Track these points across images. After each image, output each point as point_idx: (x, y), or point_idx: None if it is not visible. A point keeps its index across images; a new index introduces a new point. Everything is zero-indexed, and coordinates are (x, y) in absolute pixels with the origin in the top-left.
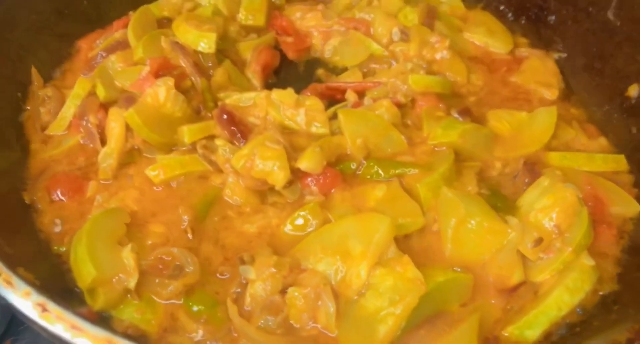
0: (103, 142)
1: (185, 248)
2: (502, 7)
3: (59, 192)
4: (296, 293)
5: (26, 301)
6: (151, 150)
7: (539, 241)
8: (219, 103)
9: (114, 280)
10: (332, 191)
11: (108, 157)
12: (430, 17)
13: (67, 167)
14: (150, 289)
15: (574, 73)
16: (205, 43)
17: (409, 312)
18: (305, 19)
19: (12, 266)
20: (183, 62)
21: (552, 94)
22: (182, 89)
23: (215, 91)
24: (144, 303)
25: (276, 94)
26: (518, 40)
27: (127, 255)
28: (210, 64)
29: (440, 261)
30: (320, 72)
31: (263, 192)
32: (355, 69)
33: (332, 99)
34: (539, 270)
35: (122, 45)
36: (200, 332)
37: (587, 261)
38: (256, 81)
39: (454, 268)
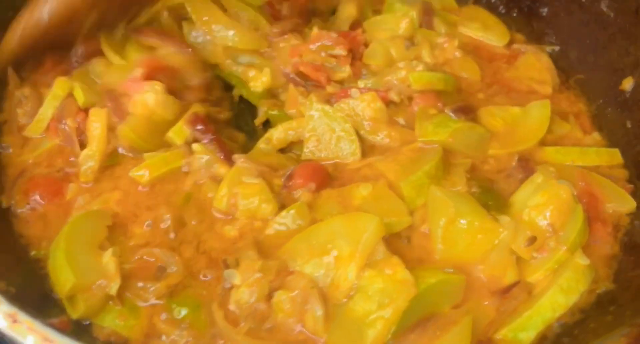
0: (83, 145)
1: (168, 249)
2: (493, 0)
3: (37, 196)
4: (283, 297)
5: None
6: (137, 151)
7: (532, 240)
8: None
9: (94, 286)
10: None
11: (89, 159)
12: (429, 15)
13: (46, 169)
14: (133, 293)
15: (567, 66)
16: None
17: (399, 315)
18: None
19: None
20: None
21: (545, 91)
22: (173, 89)
23: None
24: (126, 309)
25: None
26: (513, 36)
27: (108, 260)
28: None
29: (431, 262)
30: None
31: None
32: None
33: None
34: (533, 270)
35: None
36: (184, 338)
37: (582, 260)
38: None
39: (446, 269)
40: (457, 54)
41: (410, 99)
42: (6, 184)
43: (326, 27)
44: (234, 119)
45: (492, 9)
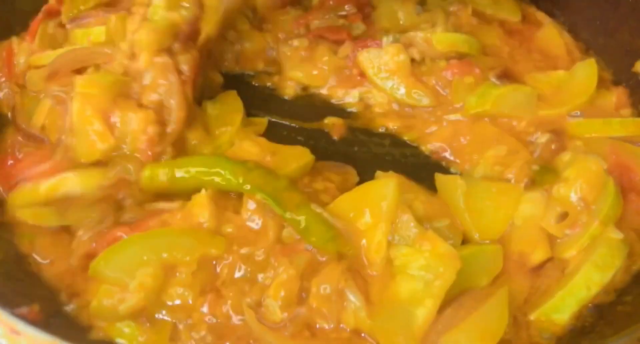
0: None
1: None
2: None
3: None
4: (315, 304)
5: None
6: None
7: (563, 216)
8: None
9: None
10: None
11: None
12: None
13: None
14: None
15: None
16: None
17: (446, 290)
18: None
19: None
20: None
21: (562, 68)
22: None
23: None
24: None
25: None
26: (526, 8)
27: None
28: None
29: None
30: None
31: None
32: None
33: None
34: (566, 247)
35: None
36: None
37: (615, 234)
38: None
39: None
40: (473, 21)
41: (432, 60)
42: None
43: None
44: None
45: None
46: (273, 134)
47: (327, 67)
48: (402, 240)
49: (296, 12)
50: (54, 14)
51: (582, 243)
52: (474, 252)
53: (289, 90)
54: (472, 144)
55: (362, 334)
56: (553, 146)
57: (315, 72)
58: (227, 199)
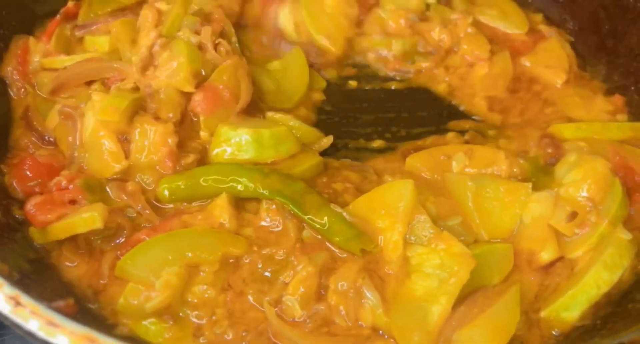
0: None
1: None
2: None
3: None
4: (333, 301)
5: None
6: None
7: (573, 215)
8: None
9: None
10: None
11: None
12: None
13: None
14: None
15: (586, 52)
16: None
17: (460, 288)
18: None
19: None
20: None
21: (560, 79)
22: None
23: None
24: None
25: None
26: (532, 18)
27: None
28: None
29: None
30: None
31: None
32: None
33: None
34: (575, 246)
35: None
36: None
37: (624, 235)
38: None
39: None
40: (470, 30)
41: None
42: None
43: None
44: None
45: None
46: None
47: None
48: (418, 240)
49: None
50: (71, 16)
51: (592, 243)
52: (486, 251)
53: None
54: None
55: (380, 332)
56: (549, 150)
57: None
58: (246, 201)
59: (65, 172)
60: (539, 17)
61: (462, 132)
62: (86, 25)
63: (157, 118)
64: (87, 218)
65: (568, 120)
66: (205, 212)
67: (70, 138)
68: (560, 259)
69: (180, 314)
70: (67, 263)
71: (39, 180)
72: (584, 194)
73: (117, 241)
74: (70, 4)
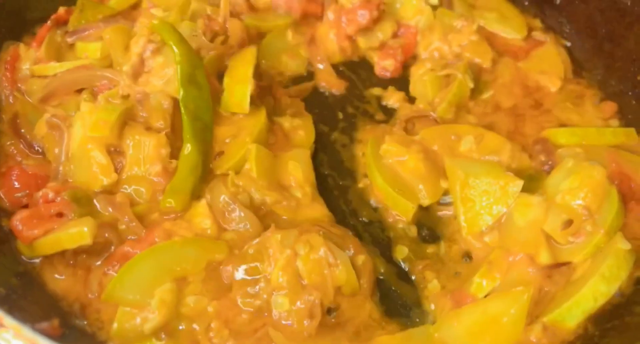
0: None
1: None
2: None
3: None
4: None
5: None
6: None
7: (568, 223)
8: None
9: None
10: None
11: None
12: None
13: None
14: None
15: (582, 56)
16: None
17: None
18: None
19: None
20: None
21: (554, 86)
22: None
23: None
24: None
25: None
26: (530, 22)
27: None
28: None
29: None
30: None
31: None
32: None
33: None
34: (570, 254)
35: None
36: None
37: (623, 245)
38: None
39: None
40: (474, 37)
41: None
42: None
43: None
44: None
45: None
46: None
47: None
48: None
49: None
50: (62, 23)
51: (587, 252)
52: None
53: None
54: None
55: None
56: (542, 157)
57: None
58: None
59: (52, 184)
60: (536, 21)
61: None
62: (77, 31)
63: (148, 128)
64: (75, 234)
65: (561, 125)
66: (186, 219)
67: (56, 150)
68: (560, 265)
69: (180, 327)
70: (56, 275)
71: (27, 191)
72: (580, 202)
73: (104, 256)
74: (61, 10)
